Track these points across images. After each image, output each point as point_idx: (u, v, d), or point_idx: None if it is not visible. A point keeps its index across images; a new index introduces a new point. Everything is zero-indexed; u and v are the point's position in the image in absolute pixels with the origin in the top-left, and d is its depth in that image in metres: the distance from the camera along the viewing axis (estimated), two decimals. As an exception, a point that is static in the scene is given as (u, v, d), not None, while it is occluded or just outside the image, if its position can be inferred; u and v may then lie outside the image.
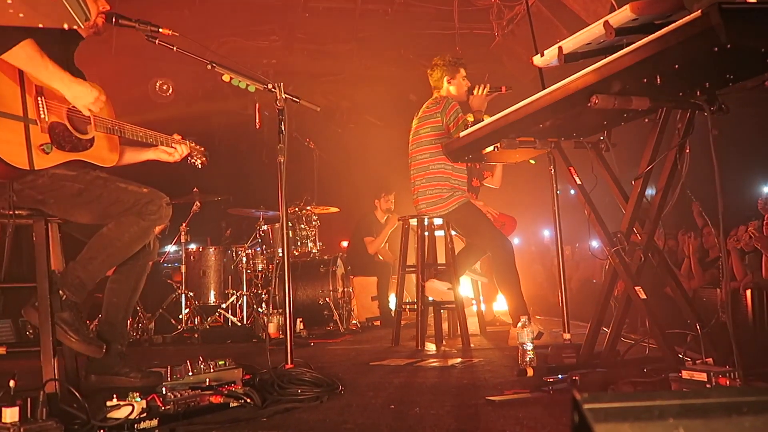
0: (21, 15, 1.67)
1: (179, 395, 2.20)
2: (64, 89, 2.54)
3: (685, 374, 2.13)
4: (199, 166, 3.40)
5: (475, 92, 4.54)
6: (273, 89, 2.83)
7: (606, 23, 2.37)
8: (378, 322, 6.69)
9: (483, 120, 4.45)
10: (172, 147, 3.12)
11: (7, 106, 2.42)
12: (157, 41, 2.70)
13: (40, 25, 1.81)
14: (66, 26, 1.74)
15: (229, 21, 7.26)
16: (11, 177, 2.48)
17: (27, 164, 2.44)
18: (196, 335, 5.58)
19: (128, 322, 3.42)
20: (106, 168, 2.85)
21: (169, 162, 3.20)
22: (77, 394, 1.90)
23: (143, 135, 2.97)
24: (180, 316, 5.90)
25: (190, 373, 2.54)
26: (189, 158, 3.33)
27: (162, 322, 5.90)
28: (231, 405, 2.33)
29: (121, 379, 2.81)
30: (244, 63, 3.19)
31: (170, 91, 7.81)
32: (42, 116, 2.54)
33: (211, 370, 2.57)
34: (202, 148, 3.38)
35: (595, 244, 5.45)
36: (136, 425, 1.94)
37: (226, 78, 2.83)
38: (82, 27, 1.84)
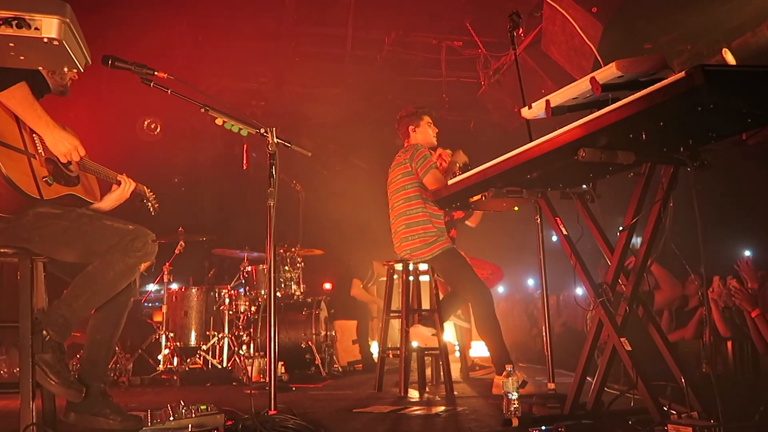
0: (22, 58, 1.69)
1: (161, 441, 2.16)
2: (47, 133, 2.60)
3: (670, 428, 2.13)
4: (152, 211, 3.48)
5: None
6: (265, 134, 2.86)
7: (592, 79, 2.43)
8: (360, 366, 6.63)
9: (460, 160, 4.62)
10: (118, 180, 3.14)
11: (11, 140, 2.50)
12: (152, 84, 2.74)
13: (40, 68, 1.84)
14: (66, 69, 1.76)
15: (219, 63, 7.35)
16: (22, 206, 2.52)
17: (37, 193, 2.52)
18: (175, 377, 5.49)
19: (110, 361, 3.39)
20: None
21: (125, 198, 3.19)
22: (57, 439, 1.85)
23: (104, 172, 3.03)
24: (159, 357, 5.81)
25: (171, 418, 2.49)
26: (145, 201, 3.41)
27: (141, 363, 5.80)
28: (213, 452, 2.28)
29: (101, 421, 2.75)
30: (233, 103, 3.23)
31: (158, 129, 7.83)
32: (39, 151, 2.64)
33: (193, 416, 2.53)
34: (153, 195, 3.47)
35: (580, 291, 5.50)
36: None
37: (219, 122, 2.86)
38: (82, 70, 1.86)
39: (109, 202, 3.10)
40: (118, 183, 3.12)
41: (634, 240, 2.86)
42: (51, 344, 2.53)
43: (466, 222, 5.77)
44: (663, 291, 5.32)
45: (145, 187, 3.40)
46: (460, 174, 4.55)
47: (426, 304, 4.75)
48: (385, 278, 4.80)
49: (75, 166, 2.86)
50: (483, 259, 6.11)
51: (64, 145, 2.62)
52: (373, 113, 8.24)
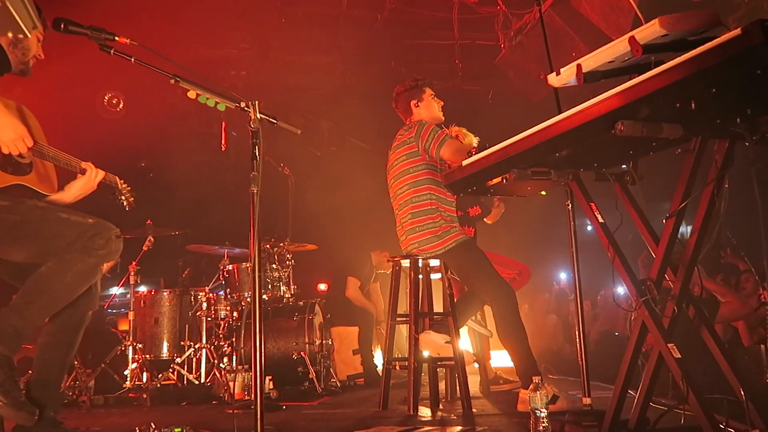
0: (-43, 23, 1.69)
1: (129, 470, 2.17)
2: None
3: (727, 448, 2.13)
4: (126, 207, 3.46)
5: None
6: (246, 108, 2.85)
7: (632, 39, 2.42)
8: (361, 381, 6.65)
9: None
10: (82, 169, 3.13)
11: None
12: (112, 51, 2.72)
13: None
14: (10, 35, 1.75)
15: (192, 26, 7.32)
16: None
17: None
18: (144, 395, 5.50)
19: (62, 382, 3.40)
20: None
21: (91, 189, 3.18)
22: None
23: (64, 159, 3.02)
24: (126, 372, 5.83)
25: (141, 443, 2.51)
26: (117, 194, 3.39)
27: (104, 379, 5.83)
28: (190, 482, 2.30)
29: (54, 452, 2.76)
30: (209, 74, 3.23)
31: (120, 105, 7.83)
32: None
33: (166, 440, 2.54)
34: (129, 187, 3.45)
35: (621, 290, 5.49)
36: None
37: (191, 95, 2.84)
38: (29, 36, 1.86)
39: (71, 192, 3.07)
40: (83, 172, 3.09)
41: (682, 229, 2.86)
42: (-1, 359, 2.54)
43: (484, 219, 5.80)
44: (730, 303, 5.33)
45: (117, 178, 3.38)
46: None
47: (438, 307, 4.75)
48: (384, 270, 4.79)
49: (28, 152, 2.84)
50: (507, 254, 6.10)
51: (8, 132, 2.59)
52: (373, 84, 8.22)
